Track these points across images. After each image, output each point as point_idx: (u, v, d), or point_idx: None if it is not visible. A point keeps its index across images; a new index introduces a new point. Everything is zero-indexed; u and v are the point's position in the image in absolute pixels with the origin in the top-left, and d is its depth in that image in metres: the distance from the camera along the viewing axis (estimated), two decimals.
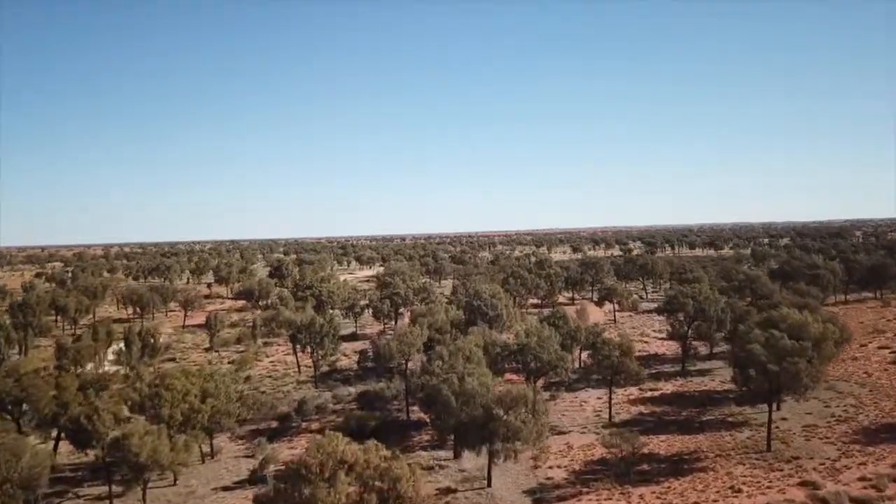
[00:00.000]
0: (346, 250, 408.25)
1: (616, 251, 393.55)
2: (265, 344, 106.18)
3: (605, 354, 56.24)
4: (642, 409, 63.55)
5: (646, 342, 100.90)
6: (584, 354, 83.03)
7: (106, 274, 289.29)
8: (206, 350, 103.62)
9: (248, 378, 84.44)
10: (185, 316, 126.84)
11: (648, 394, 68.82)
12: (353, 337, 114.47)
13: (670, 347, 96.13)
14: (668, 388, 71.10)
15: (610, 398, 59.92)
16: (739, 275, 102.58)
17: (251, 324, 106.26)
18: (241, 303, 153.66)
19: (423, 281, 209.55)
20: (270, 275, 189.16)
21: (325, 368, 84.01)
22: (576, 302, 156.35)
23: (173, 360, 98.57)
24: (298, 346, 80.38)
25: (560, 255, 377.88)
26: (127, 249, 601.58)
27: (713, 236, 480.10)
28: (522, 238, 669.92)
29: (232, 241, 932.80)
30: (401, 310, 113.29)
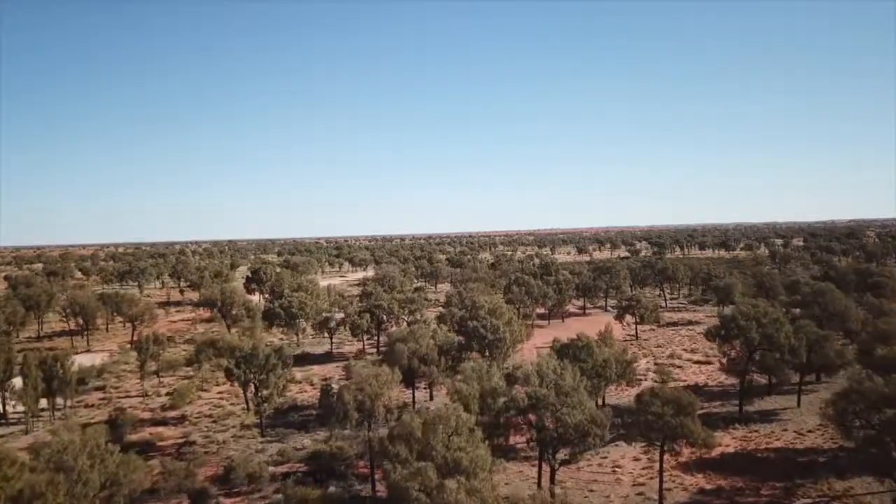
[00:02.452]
0: (341, 251, 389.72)
1: (622, 252, 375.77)
2: (220, 367, 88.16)
3: (655, 413, 38.32)
4: (702, 480, 45.52)
5: (679, 367, 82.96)
6: (613, 386, 65.95)
7: (80, 275, 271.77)
8: (150, 375, 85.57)
9: (182, 418, 66.66)
10: (134, 331, 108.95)
11: (704, 451, 50.84)
12: (326, 358, 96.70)
13: (711, 374, 78.31)
14: (727, 441, 53.02)
15: (661, 475, 41.78)
16: (804, 287, 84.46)
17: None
18: (210, 312, 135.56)
19: (416, 286, 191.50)
20: (248, 279, 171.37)
21: (281, 407, 66.28)
22: (587, 312, 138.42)
23: (102, 389, 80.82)
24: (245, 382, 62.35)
25: (564, 256, 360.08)
26: (121, 249, 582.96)
27: (721, 237, 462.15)
28: (524, 238, 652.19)
29: (230, 241, 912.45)
30: (384, 325, 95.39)
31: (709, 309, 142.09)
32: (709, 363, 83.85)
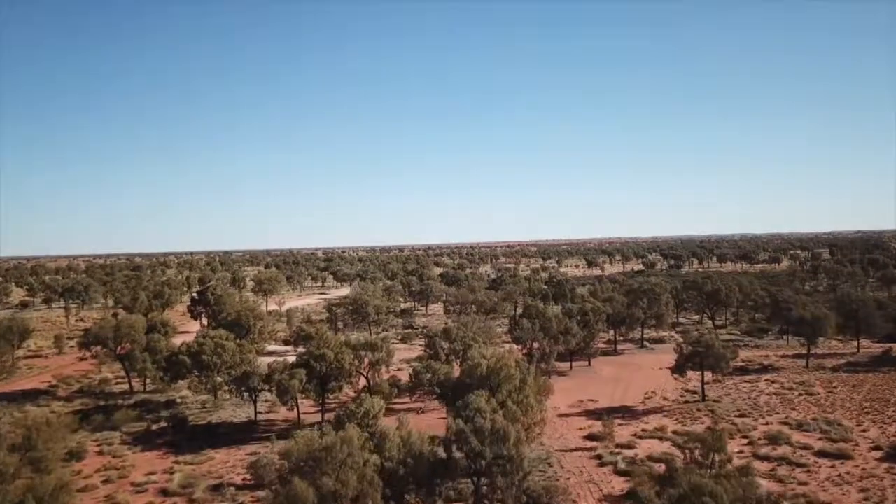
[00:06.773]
0: (330, 264, 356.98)
1: (636, 265, 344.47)
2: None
3: None
4: None
5: (801, 466, 50.60)
6: None
7: (24, 294, 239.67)
8: None
9: None
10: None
11: None
12: (246, 430, 64.69)
13: (862, 483, 46.17)
14: None
15: None
16: None
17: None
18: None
19: (403, 307, 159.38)
20: (193, 301, 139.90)
21: None
22: (619, 349, 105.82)
23: None
24: None
25: (573, 269, 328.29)
26: (111, 261, 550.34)
27: (734, 247, 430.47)
28: (527, 250, 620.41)
29: (226, 252, 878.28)
30: (330, 385, 63.44)
31: (773, 343, 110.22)
32: (845, 458, 51.81)
